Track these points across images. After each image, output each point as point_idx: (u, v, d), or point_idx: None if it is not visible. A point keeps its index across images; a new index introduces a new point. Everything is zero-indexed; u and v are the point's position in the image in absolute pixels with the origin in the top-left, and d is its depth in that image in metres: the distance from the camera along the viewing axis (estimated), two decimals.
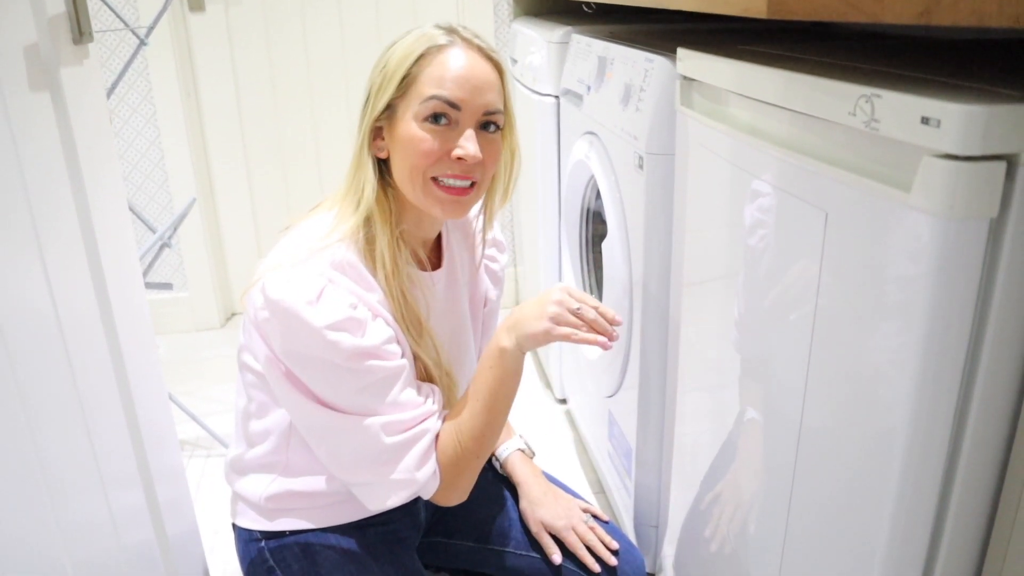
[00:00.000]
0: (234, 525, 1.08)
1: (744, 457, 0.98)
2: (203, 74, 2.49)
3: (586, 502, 1.20)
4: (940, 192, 0.58)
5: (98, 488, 0.90)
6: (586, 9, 2.21)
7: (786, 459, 0.85)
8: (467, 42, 0.94)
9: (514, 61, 2.33)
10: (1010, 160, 0.57)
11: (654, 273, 1.30)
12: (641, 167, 1.26)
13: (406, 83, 0.92)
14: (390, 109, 0.94)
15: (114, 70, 2.36)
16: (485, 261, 1.16)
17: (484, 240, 1.13)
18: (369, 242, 0.95)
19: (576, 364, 1.90)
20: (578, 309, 0.96)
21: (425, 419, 0.96)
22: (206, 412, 2.03)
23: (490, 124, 0.95)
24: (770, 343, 0.88)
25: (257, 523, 1.05)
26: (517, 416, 2.09)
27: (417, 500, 1.12)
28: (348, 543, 1.04)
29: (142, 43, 1.84)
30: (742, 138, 0.90)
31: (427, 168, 0.92)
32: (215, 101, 2.52)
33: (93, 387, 0.90)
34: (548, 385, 2.26)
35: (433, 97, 0.91)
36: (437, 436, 0.99)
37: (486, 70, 0.94)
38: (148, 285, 1.93)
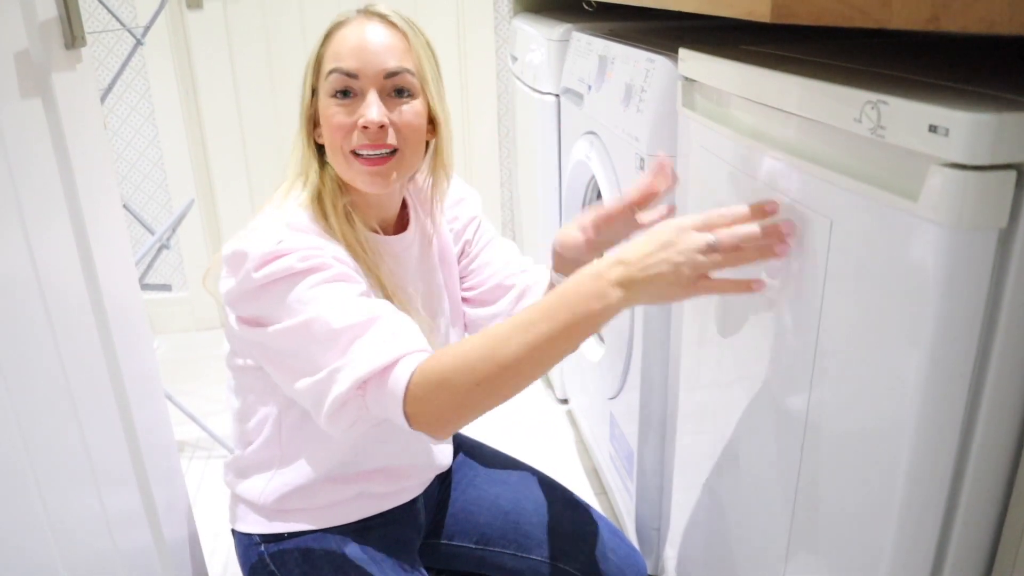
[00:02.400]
0: (234, 531, 1.07)
1: (746, 460, 0.97)
2: (201, 72, 2.48)
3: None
4: (948, 202, 0.57)
5: (93, 491, 0.89)
6: (587, 7, 2.19)
7: (789, 462, 0.84)
8: (370, 14, 0.95)
9: (514, 59, 2.31)
10: (1020, 169, 0.56)
11: None
12: (642, 168, 1.25)
13: (317, 65, 0.95)
14: (315, 95, 0.96)
15: (112, 69, 2.35)
16: (449, 225, 1.15)
17: (434, 209, 1.10)
18: (323, 214, 0.95)
19: (578, 364, 1.89)
20: (714, 242, 0.75)
21: (378, 311, 0.86)
22: (206, 412, 2.03)
23: (401, 90, 0.94)
24: (774, 348, 0.87)
25: (257, 526, 1.04)
26: (517, 416, 2.09)
27: (416, 501, 1.11)
28: (349, 546, 1.03)
29: (139, 42, 1.82)
30: (745, 142, 0.89)
31: (343, 142, 0.93)
32: (214, 99, 2.51)
33: (87, 390, 0.89)
34: (549, 385, 2.26)
35: (332, 71, 0.92)
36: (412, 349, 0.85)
37: (385, 34, 0.93)
38: (147, 286, 1.93)
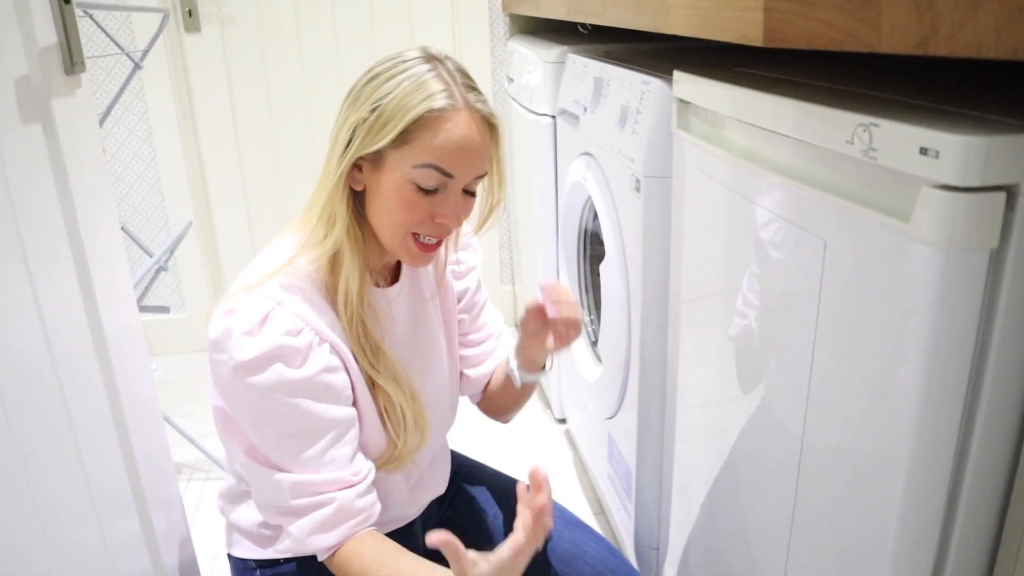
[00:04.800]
0: (229, 556, 1.07)
1: (745, 479, 0.97)
2: (199, 95, 2.49)
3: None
4: (940, 223, 0.58)
5: (91, 517, 0.89)
6: (582, 29, 2.21)
7: (787, 481, 0.84)
8: (471, 107, 0.90)
9: (510, 80, 2.33)
10: (1010, 191, 0.57)
11: (652, 295, 1.30)
12: (638, 190, 1.25)
13: (403, 139, 0.89)
14: (378, 154, 0.91)
15: (110, 92, 2.36)
16: (450, 267, 1.15)
17: (447, 255, 1.12)
18: (333, 270, 0.94)
19: (575, 384, 1.89)
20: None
21: (340, 488, 0.93)
22: (204, 434, 2.02)
23: (474, 191, 0.95)
24: (770, 368, 0.87)
25: (252, 552, 1.04)
26: (515, 436, 2.08)
27: (414, 524, 1.11)
28: None
29: (137, 66, 1.84)
30: (739, 163, 0.89)
31: (410, 226, 0.92)
32: (211, 122, 2.52)
33: (86, 415, 0.89)
34: (548, 405, 2.25)
35: (430, 166, 0.88)
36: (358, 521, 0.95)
37: (484, 137, 0.91)
38: (145, 308, 1.93)
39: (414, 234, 0.93)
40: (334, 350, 0.93)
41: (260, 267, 0.94)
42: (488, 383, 1.20)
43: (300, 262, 0.92)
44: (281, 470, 0.92)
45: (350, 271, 0.93)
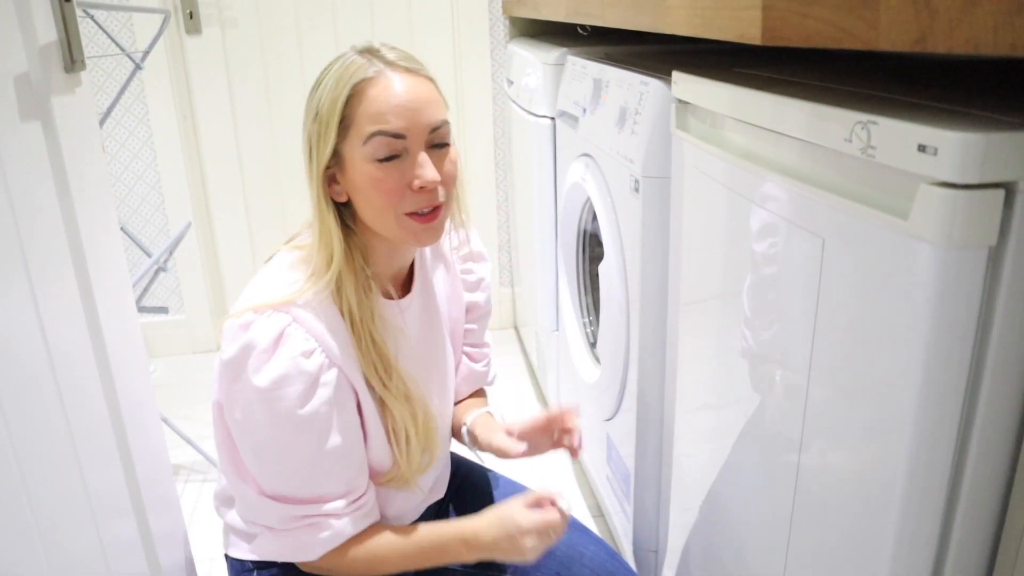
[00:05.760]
0: (227, 556, 1.07)
1: (743, 480, 0.97)
2: (199, 97, 2.49)
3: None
4: (938, 220, 0.58)
5: (88, 518, 0.88)
6: (581, 31, 2.22)
7: (786, 482, 0.84)
8: (390, 64, 0.90)
9: (510, 82, 2.33)
10: (1008, 188, 0.57)
11: (651, 296, 1.30)
12: (637, 190, 1.25)
13: (344, 126, 0.89)
14: (336, 155, 0.90)
15: (110, 93, 2.37)
16: (463, 276, 1.15)
17: (460, 251, 1.12)
18: (340, 289, 0.93)
19: (574, 386, 1.89)
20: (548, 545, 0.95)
21: (330, 517, 0.95)
22: (202, 435, 2.02)
23: (440, 143, 0.92)
24: (769, 368, 0.87)
25: (249, 552, 1.03)
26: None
27: None
28: None
29: (138, 67, 1.84)
30: (738, 163, 0.89)
31: (396, 206, 0.90)
32: (211, 124, 2.53)
33: (83, 415, 0.89)
34: (546, 407, 2.25)
35: (375, 134, 0.87)
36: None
37: (417, 86, 0.90)
38: (144, 309, 1.93)
39: (408, 214, 0.91)
40: (343, 373, 0.92)
41: (267, 285, 0.93)
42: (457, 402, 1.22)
43: (311, 285, 0.92)
44: (275, 498, 0.93)
45: (349, 289, 0.93)
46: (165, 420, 1.78)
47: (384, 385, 0.96)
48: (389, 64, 0.90)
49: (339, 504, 0.94)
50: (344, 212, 0.94)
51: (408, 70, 0.91)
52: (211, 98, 2.50)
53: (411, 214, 0.91)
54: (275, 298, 0.90)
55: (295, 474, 0.92)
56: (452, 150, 0.94)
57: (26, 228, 0.78)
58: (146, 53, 1.89)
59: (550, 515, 0.94)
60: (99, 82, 2.38)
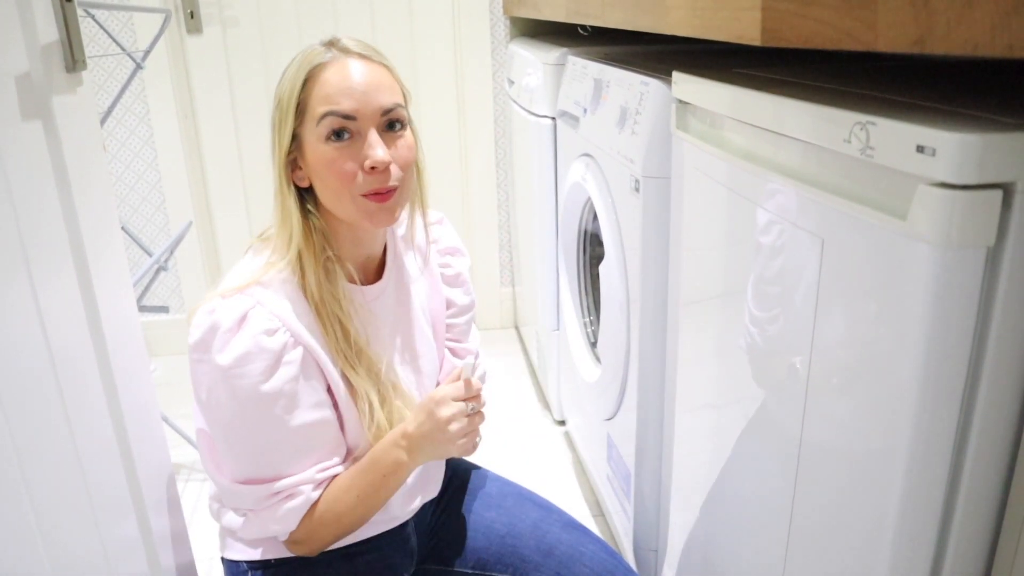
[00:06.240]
0: (223, 559, 1.07)
1: (744, 479, 0.97)
2: (200, 96, 2.49)
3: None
4: (936, 221, 0.58)
5: (89, 518, 0.89)
6: (581, 31, 2.22)
7: (786, 480, 0.84)
8: (346, 51, 0.94)
9: (511, 82, 2.34)
10: (1006, 188, 0.57)
11: (651, 295, 1.30)
12: (637, 190, 1.26)
13: (300, 110, 0.92)
14: (296, 139, 0.94)
15: (111, 92, 2.37)
16: (441, 270, 1.16)
17: (428, 236, 1.13)
18: (302, 272, 0.96)
19: (574, 386, 1.89)
20: (472, 410, 0.99)
21: (300, 485, 0.97)
22: None
23: (394, 123, 0.94)
24: (769, 368, 0.87)
25: (244, 554, 1.03)
26: (514, 437, 2.08)
27: (406, 526, 1.11)
28: (337, 572, 1.03)
29: (139, 67, 1.84)
30: (738, 163, 0.90)
31: (352, 187, 0.92)
32: (212, 123, 2.53)
33: (84, 415, 0.89)
34: (547, 407, 2.25)
35: (326, 115, 0.91)
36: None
37: (370, 71, 0.93)
38: (145, 308, 1.93)
39: (364, 195, 0.93)
40: (308, 352, 0.94)
41: (235, 274, 0.97)
42: None
43: (272, 272, 0.95)
44: (246, 482, 0.95)
45: (310, 272, 0.95)
46: (166, 419, 1.78)
47: (352, 367, 0.98)
48: (345, 51, 0.94)
49: (309, 473, 0.97)
50: (307, 198, 0.97)
51: (363, 56, 0.95)
52: (212, 97, 2.50)
53: (367, 195, 0.93)
54: (239, 282, 0.93)
55: (262, 454, 0.94)
56: (408, 135, 0.97)
57: (27, 227, 0.79)
58: (147, 52, 1.89)
59: (465, 391, 0.98)
60: (100, 81, 2.38)
